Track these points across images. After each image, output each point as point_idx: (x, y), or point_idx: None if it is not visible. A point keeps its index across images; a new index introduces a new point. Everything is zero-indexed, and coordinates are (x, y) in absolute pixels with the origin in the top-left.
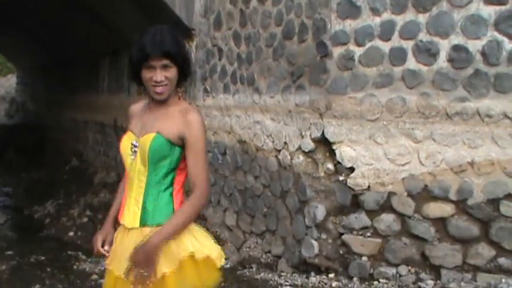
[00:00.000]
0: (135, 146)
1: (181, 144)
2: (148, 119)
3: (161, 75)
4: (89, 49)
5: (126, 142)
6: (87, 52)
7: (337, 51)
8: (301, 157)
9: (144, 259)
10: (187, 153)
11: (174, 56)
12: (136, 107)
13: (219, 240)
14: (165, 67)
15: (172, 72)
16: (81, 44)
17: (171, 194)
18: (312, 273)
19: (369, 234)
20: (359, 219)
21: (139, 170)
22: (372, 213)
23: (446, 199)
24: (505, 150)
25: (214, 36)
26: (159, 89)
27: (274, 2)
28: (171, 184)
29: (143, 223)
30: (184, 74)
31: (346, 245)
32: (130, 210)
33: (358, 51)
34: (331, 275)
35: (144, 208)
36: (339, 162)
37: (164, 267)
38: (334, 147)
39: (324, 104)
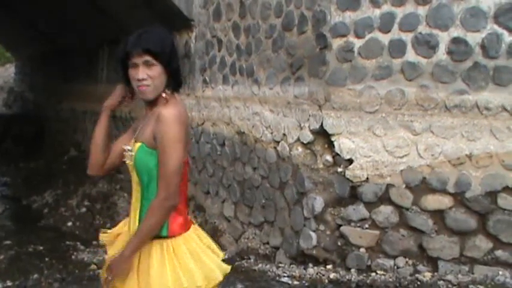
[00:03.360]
0: (130, 151)
1: None
2: (141, 126)
3: (143, 72)
4: (88, 39)
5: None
6: (86, 42)
7: (336, 43)
8: (300, 149)
9: (114, 270)
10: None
11: (155, 52)
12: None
13: (217, 231)
14: (147, 64)
15: (155, 71)
16: (80, 34)
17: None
18: (310, 265)
19: (367, 226)
20: (357, 211)
21: (135, 178)
22: (370, 205)
23: (444, 191)
24: (503, 143)
25: (213, 27)
26: (142, 88)
27: None
28: None
29: None
30: (174, 75)
31: (344, 237)
32: (131, 217)
33: (357, 43)
34: (329, 267)
35: (140, 217)
36: (337, 154)
37: None
38: (332, 139)
39: (323, 96)
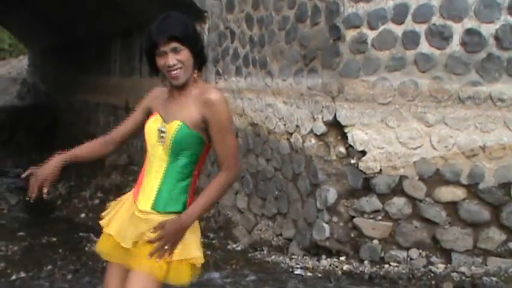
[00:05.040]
0: (162, 132)
1: (206, 134)
2: (172, 107)
3: (173, 59)
4: (101, 30)
5: (154, 125)
6: (99, 33)
7: (349, 34)
8: (313, 140)
9: (172, 235)
10: (211, 132)
11: (182, 37)
12: (161, 90)
13: (230, 222)
14: (175, 50)
15: (184, 55)
16: (93, 25)
17: (187, 187)
18: (323, 256)
19: (380, 217)
20: (370, 202)
21: (161, 156)
22: (383, 197)
23: (457, 183)
24: None
25: (226, 19)
26: (173, 73)
27: None
28: (188, 176)
29: (155, 208)
30: (199, 55)
31: (357, 228)
32: (145, 193)
33: (371, 35)
34: (342, 258)
35: (158, 194)
36: (350, 146)
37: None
38: (346, 130)
39: (336, 87)
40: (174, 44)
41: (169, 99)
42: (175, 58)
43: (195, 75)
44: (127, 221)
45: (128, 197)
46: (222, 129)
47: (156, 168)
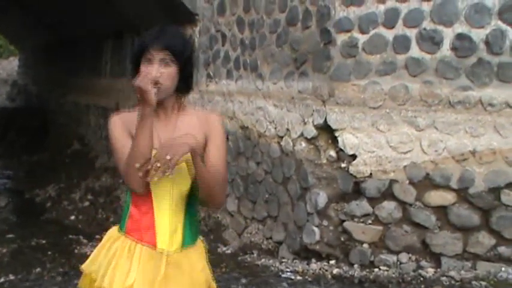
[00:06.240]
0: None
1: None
2: (167, 136)
3: (158, 70)
4: (93, 31)
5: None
6: (91, 35)
7: (340, 38)
8: (304, 144)
9: (172, 148)
10: (209, 146)
11: (176, 51)
12: (128, 115)
13: (220, 225)
14: (164, 62)
15: (170, 71)
16: (85, 27)
17: (198, 211)
18: (313, 260)
19: (370, 221)
20: (360, 206)
21: (179, 191)
22: (373, 201)
23: (447, 187)
24: (506, 140)
25: (217, 22)
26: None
27: None
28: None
29: (186, 244)
30: (185, 79)
31: (347, 232)
32: (166, 233)
33: (361, 39)
34: (332, 262)
35: (185, 229)
36: (341, 150)
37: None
38: (336, 134)
39: (327, 91)
40: (165, 55)
41: (154, 126)
42: (161, 71)
43: (182, 100)
44: (147, 269)
45: (120, 246)
46: (220, 141)
47: (175, 204)
